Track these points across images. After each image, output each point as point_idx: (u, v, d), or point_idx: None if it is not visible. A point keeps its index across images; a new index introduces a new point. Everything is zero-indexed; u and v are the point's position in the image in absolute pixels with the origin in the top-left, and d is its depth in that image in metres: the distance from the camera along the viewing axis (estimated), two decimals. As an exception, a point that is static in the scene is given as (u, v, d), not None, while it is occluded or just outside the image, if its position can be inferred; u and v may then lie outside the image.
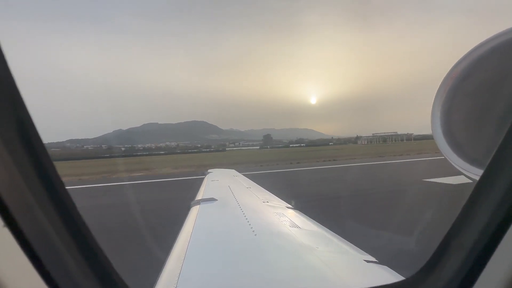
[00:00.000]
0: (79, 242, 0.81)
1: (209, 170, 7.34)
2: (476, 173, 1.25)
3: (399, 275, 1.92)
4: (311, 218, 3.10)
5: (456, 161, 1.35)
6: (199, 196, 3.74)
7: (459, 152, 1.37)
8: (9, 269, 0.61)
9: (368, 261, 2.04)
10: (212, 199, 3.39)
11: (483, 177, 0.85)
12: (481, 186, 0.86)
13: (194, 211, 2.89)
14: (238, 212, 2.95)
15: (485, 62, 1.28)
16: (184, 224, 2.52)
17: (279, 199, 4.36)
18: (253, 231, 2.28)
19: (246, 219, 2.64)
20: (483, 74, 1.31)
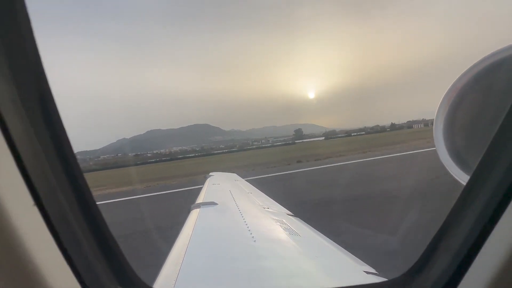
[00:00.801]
0: (95, 230, 0.92)
1: (210, 174, 7.31)
2: None
3: None
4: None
5: (458, 174, 1.35)
6: (199, 200, 3.74)
7: (462, 165, 1.37)
8: (36, 244, 0.69)
9: (368, 272, 2.02)
10: (212, 203, 3.39)
11: (469, 182, 0.88)
12: (467, 190, 0.89)
13: (194, 215, 2.89)
14: (238, 217, 2.94)
15: (490, 76, 1.29)
16: (183, 227, 2.52)
17: (280, 205, 4.34)
18: (253, 237, 2.27)
19: (246, 224, 2.63)
20: (486, 87, 1.32)
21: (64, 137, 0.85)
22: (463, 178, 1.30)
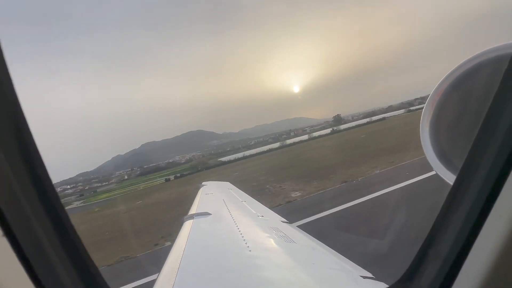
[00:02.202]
0: (71, 254, 0.86)
1: (203, 183, 7.21)
2: None
3: None
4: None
5: (445, 173, 1.38)
6: (192, 210, 3.67)
7: (448, 165, 1.40)
8: (6, 276, 0.65)
9: (364, 277, 2.01)
10: (206, 214, 3.33)
11: (454, 185, 0.90)
12: (453, 194, 0.90)
13: (187, 226, 2.82)
14: (232, 227, 2.90)
15: (474, 76, 1.33)
16: (176, 240, 2.45)
17: (275, 213, 4.31)
18: (248, 247, 2.24)
19: (241, 234, 2.59)
20: (472, 88, 1.36)
21: (39, 162, 0.78)
22: (450, 178, 1.32)
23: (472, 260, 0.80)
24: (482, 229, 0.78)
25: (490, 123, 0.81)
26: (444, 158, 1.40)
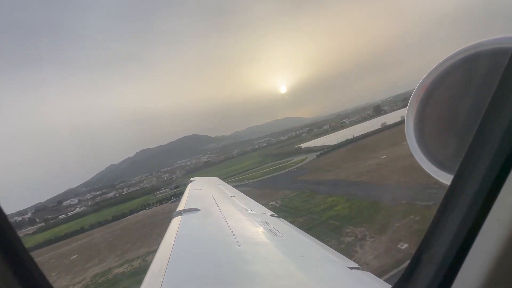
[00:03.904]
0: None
1: (191, 179, 7.12)
2: (448, 180, 1.32)
3: (381, 280, 1.96)
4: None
5: (428, 167, 1.42)
6: (181, 207, 3.62)
7: (431, 158, 1.44)
8: None
9: (351, 268, 2.07)
10: (194, 209, 3.30)
11: (451, 186, 0.89)
12: (450, 195, 0.89)
13: (175, 222, 2.78)
14: (221, 222, 2.89)
15: (457, 72, 1.37)
16: (164, 237, 2.42)
17: (263, 207, 4.34)
18: (237, 241, 2.24)
19: (230, 229, 2.59)
20: (455, 84, 1.40)
21: None
22: (436, 173, 1.36)
23: (469, 263, 0.80)
24: (479, 232, 0.77)
25: (489, 121, 0.78)
26: (429, 152, 1.45)
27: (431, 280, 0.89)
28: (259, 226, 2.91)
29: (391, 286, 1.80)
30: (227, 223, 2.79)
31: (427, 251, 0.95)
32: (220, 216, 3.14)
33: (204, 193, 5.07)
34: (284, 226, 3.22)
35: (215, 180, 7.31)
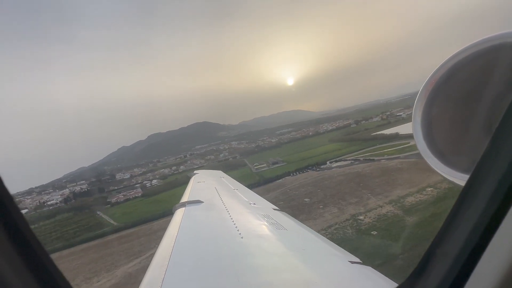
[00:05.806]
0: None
1: (195, 172, 7.17)
2: (453, 176, 1.29)
3: (381, 274, 1.97)
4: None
5: (436, 164, 1.39)
6: (184, 198, 3.65)
7: (439, 155, 1.41)
8: None
9: (352, 262, 2.08)
10: (198, 202, 3.33)
11: (467, 186, 0.86)
12: (466, 194, 0.87)
13: (179, 214, 2.82)
14: (224, 214, 2.91)
15: (467, 67, 1.33)
16: (168, 228, 2.45)
17: (266, 200, 4.36)
18: (240, 234, 2.26)
19: (233, 221, 2.62)
20: (464, 79, 1.36)
21: None
22: (442, 169, 1.34)
23: (486, 261, 0.77)
24: (497, 230, 0.75)
25: (510, 120, 0.75)
26: (436, 149, 1.42)
27: (444, 278, 0.87)
28: (262, 219, 2.93)
29: (392, 280, 1.81)
30: (230, 216, 2.82)
31: (440, 248, 0.93)
32: (223, 208, 3.17)
33: (207, 185, 5.11)
34: (286, 219, 3.23)
35: (219, 173, 7.36)
